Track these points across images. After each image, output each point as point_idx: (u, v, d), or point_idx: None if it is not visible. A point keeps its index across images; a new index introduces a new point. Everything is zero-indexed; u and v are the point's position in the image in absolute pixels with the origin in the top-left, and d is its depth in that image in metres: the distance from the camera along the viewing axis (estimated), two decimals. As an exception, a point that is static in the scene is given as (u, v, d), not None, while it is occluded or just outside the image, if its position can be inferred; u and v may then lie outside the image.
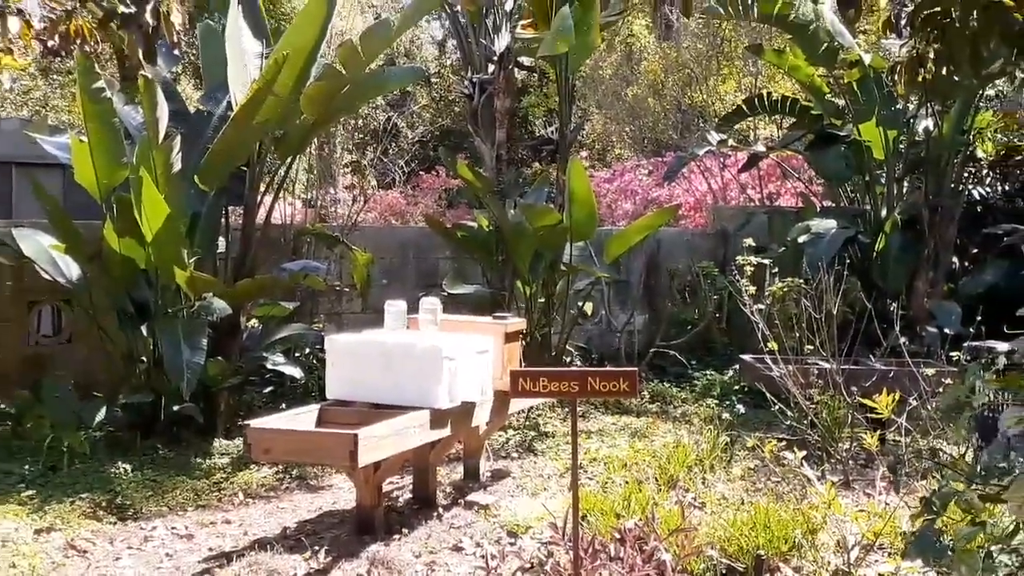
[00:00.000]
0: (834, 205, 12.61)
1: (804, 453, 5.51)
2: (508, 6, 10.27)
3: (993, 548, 2.67)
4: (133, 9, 3.74)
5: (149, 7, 3.87)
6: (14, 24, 3.89)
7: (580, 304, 10.28)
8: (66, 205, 8.69)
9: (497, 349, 6.75)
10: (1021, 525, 2.68)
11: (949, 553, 2.63)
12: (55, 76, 18.63)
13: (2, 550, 5.59)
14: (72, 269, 8.16)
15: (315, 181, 14.92)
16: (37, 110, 17.15)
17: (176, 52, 9.13)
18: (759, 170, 14.75)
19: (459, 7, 10.23)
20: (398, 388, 5.99)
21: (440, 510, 6.52)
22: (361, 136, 19.72)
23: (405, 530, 6.09)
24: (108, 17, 3.82)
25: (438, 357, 5.96)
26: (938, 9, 3.36)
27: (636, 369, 5.16)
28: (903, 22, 4.36)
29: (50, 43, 3.90)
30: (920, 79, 4.14)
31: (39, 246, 8.10)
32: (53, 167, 8.93)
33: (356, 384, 6.14)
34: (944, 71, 3.59)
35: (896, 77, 5.25)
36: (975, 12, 3.49)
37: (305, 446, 5.64)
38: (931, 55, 3.51)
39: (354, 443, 5.26)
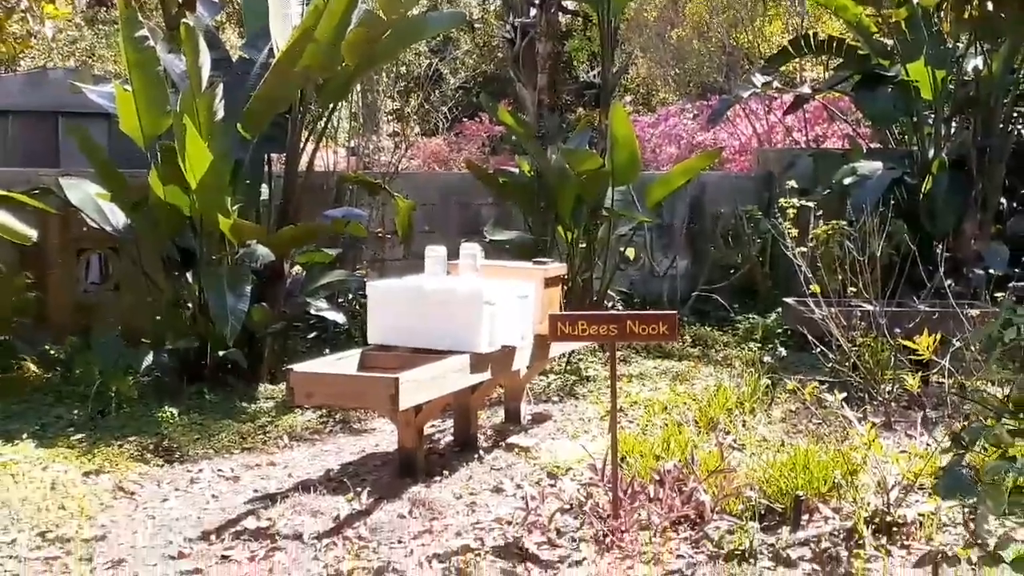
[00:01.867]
0: (881, 147, 12.43)
1: (844, 395, 5.49)
2: (548, -52, 10.18)
3: (1022, 481, 2.66)
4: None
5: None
6: (52, -27, 3.93)
7: (622, 249, 10.25)
8: (112, 154, 8.80)
9: (537, 294, 6.76)
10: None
11: (978, 489, 2.63)
12: (101, 26, 18.76)
13: (52, 492, 5.73)
14: (118, 217, 8.27)
15: (359, 129, 14.95)
16: (84, 60, 17.31)
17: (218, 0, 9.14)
18: (805, 112, 14.56)
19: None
20: (438, 333, 6.04)
21: (481, 452, 6.59)
22: (404, 83, 19.70)
23: (446, 472, 6.17)
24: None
25: (478, 302, 5.99)
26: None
27: (675, 312, 5.16)
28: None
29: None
30: (967, 16, 4.07)
31: (86, 195, 8.21)
32: (99, 116, 9.03)
33: (397, 329, 6.19)
34: (991, 6, 3.51)
35: (943, 14, 5.12)
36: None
37: (346, 390, 5.71)
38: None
39: (395, 387, 5.31)
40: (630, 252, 10.60)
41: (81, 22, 17.74)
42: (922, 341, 5.05)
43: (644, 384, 8.53)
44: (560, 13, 19.69)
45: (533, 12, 9.91)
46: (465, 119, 19.26)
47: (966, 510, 3.99)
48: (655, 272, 11.83)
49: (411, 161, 16.13)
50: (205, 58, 7.67)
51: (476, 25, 23.36)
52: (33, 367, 8.30)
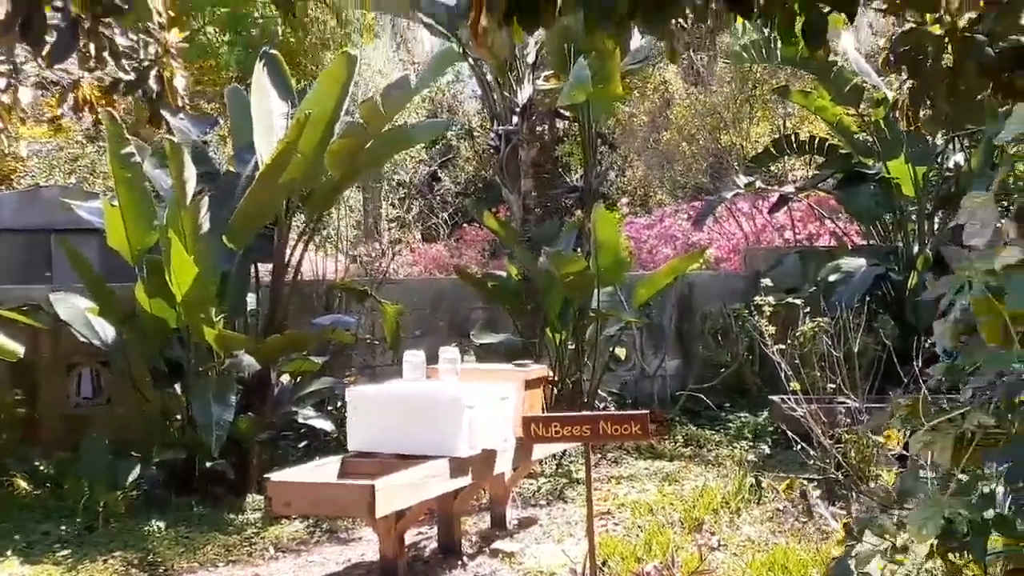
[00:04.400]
0: (866, 244, 12.57)
1: (819, 492, 5.49)
2: (531, 59, 10.45)
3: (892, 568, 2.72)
4: (133, 76, 3.90)
5: (152, 74, 4.03)
6: (26, 95, 4.07)
7: (611, 349, 10.30)
8: (103, 269, 8.92)
9: (519, 396, 6.80)
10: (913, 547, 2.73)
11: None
12: (102, 143, 19.09)
13: (33, 610, 5.71)
14: (107, 331, 8.36)
15: (361, 237, 15.14)
16: (84, 177, 17.57)
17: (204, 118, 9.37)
18: (791, 211, 14.75)
19: (483, 61, 10.41)
20: (418, 437, 6.06)
21: (465, 559, 6.56)
22: (405, 190, 19.99)
23: (429, 580, 6.14)
24: (112, 86, 3.99)
25: (458, 406, 6.03)
26: (909, 48, 3.41)
27: (647, 412, 5.20)
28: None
29: (59, 111, 4.10)
30: (920, 117, 4.19)
31: (75, 310, 8.32)
32: (90, 232, 9.16)
33: (377, 435, 6.21)
34: (923, 110, 3.63)
35: (898, 115, 5.28)
36: (950, 47, 3.53)
37: (324, 498, 5.72)
38: (906, 94, 3.56)
39: (371, 494, 5.32)
40: (620, 352, 10.64)
41: (83, 139, 18.06)
42: (891, 435, 5.06)
43: (633, 485, 8.49)
44: (549, 120, 20.16)
45: (515, 120, 10.11)
46: (465, 224, 19.48)
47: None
48: (646, 372, 11.86)
49: (413, 267, 16.30)
50: (190, 172, 7.84)
51: (476, 133, 23.76)
52: (23, 483, 8.27)
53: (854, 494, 7.04)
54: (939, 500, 2.63)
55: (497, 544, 6.85)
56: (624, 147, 21.33)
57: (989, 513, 2.62)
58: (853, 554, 2.79)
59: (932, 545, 2.55)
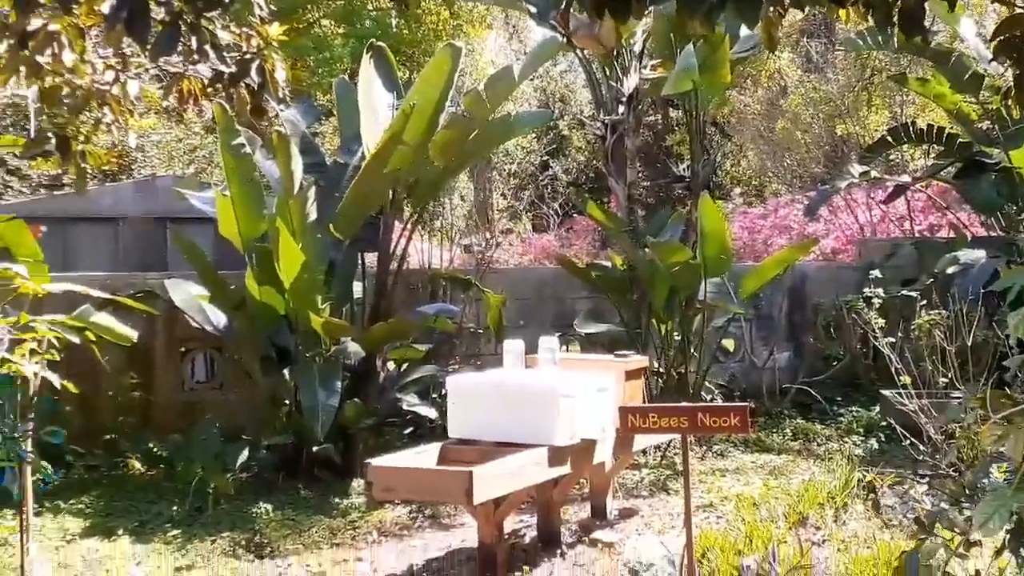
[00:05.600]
0: (987, 235, 12.15)
1: (924, 488, 5.33)
2: (637, 47, 10.35)
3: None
4: (234, 69, 3.98)
5: (254, 66, 4.11)
6: (133, 87, 4.19)
7: (719, 341, 10.16)
8: (217, 257, 9.17)
9: (618, 387, 6.75)
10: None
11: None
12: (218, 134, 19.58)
13: (143, 587, 5.89)
14: (219, 318, 8.57)
15: (472, 226, 15.25)
16: (202, 167, 18.07)
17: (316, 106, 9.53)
18: (910, 202, 14.34)
19: (589, 51, 10.36)
20: (517, 426, 6.07)
21: (564, 547, 6.56)
22: (517, 181, 20.06)
23: (527, 567, 6.15)
24: (215, 78, 4.08)
25: (555, 395, 6.02)
26: (1018, 32, 3.28)
27: (747, 404, 5.12)
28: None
29: (164, 104, 4.20)
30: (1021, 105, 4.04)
31: (189, 296, 8.55)
32: (204, 221, 9.42)
33: (476, 423, 6.24)
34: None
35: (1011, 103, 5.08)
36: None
37: (424, 484, 5.78)
38: (1012, 81, 3.42)
39: (469, 481, 5.35)
40: (728, 344, 10.50)
41: (201, 130, 18.57)
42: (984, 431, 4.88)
43: (738, 479, 8.38)
44: (662, 110, 19.97)
45: (621, 109, 10.04)
46: (575, 214, 19.47)
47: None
48: (755, 364, 11.68)
49: (522, 257, 16.35)
50: (297, 163, 7.99)
51: (587, 122, 23.75)
52: (137, 464, 8.56)
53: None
54: (1005, 494, 2.52)
55: (596, 534, 6.83)
56: (738, 136, 21.04)
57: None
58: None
59: (1004, 540, 2.46)
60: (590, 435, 6.34)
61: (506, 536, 6.44)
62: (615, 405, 6.60)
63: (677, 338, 9.92)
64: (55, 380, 5.71)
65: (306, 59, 18.11)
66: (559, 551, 6.49)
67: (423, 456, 6.12)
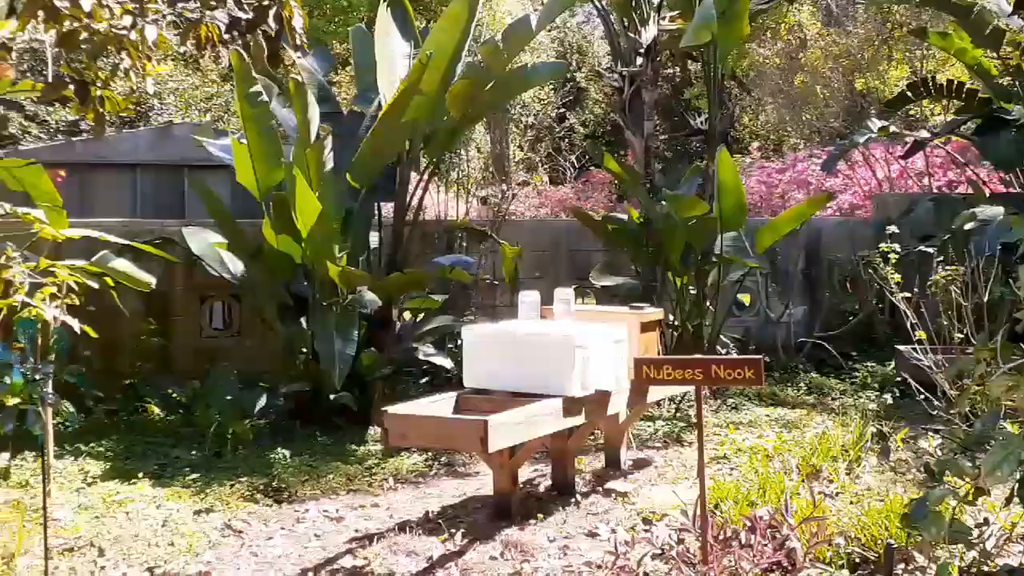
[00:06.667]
0: (1007, 191, 12.07)
1: (939, 441, 5.35)
2: (656, -1, 10.29)
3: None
4: (251, 16, 3.97)
5: (271, 13, 4.10)
6: (151, 33, 4.18)
7: (735, 295, 10.17)
8: (233, 205, 9.21)
9: (633, 339, 6.78)
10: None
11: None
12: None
13: (163, 529, 5.97)
14: (237, 266, 8.63)
15: (489, 178, 15.25)
16: (219, 115, 18.07)
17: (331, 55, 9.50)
18: (928, 158, 14.23)
19: (606, 1, 10.29)
20: (532, 376, 6.10)
21: (578, 497, 6.61)
22: (534, 133, 20.00)
23: (541, 515, 6.21)
24: (232, 24, 4.07)
25: (569, 346, 6.04)
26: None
27: (761, 357, 5.13)
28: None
29: (182, 49, 4.19)
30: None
31: (206, 244, 8.60)
32: (222, 169, 9.44)
33: (492, 373, 6.29)
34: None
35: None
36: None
37: (438, 432, 5.82)
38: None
39: (484, 429, 5.40)
40: (744, 298, 10.51)
41: (218, 78, 18.55)
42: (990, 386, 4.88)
43: (752, 431, 8.42)
44: (681, 62, 19.81)
45: (639, 61, 9.98)
46: (592, 167, 19.42)
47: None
48: (770, 318, 11.68)
49: (539, 209, 16.35)
50: (314, 112, 7.98)
51: (604, 74, 23.58)
52: (157, 409, 8.65)
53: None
54: (1013, 442, 2.55)
55: (610, 484, 6.88)
56: (756, 90, 20.89)
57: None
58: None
59: (1013, 489, 2.48)
60: (605, 386, 6.38)
61: (521, 485, 6.51)
62: (630, 357, 6.62)
63: (692, 291, 9.94)
64: (75, 325, 5.75)
65: (323, 7, 18.02)
66: (573, 500, 6.55)
67: (439, 404, 6.17)
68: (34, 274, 5.50)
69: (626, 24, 10.26)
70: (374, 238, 9.13)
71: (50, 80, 4.68)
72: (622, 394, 6.70)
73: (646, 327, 7.06)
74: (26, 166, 6.97)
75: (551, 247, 11.21)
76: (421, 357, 8.77)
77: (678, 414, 9.02)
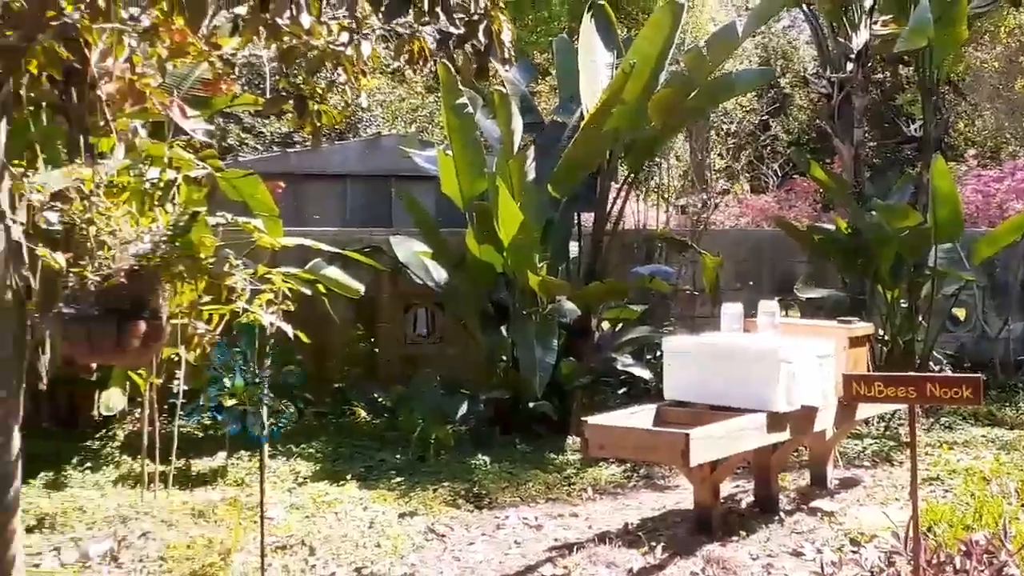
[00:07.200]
0: None
1: None
2: (867, 2, 9.94)
3: None
4: (463, 30, 4.04)
5: (481, 27, 4.16)
6: (366, 48, 4.31)
7: (949, 309, 9.72)
8: (438, 215, 9.40)
9: (841, 354, 6.56)
10: None
11: None
12: (440, 94, 19.96)
13: (369, 530, 6.14)
14: (440, 274, 8.82)
15: (687, 187, 15.09)
16: (424, 126, 18.51)
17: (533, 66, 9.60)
18: None
19: (815, 5, 10.02)
20: (734, 390, 5.99)
21: (782, 514, 6.44)
22: (734, 141, 19.67)
23: (744, 532, 6.08)
24: (443, 39, 4.15)
25: (775, 360, 5.90)
26: None
27: (980, 376, 4.87)
28: None
29: (395, 64, 4.30)
30: None
31: (411, 252, 8.82)
32: (427, 179, 9.66)
33: (692, 385, 6.19)
34: None
35: None
36: None
37: (638, 444, 5.77)
38: None
39: (685, 442, 5.32)
40: (959, 312, 10.04)
41: (423, 90, 19.00)
42: None
43: (967, 452, 8.04)
44: (891, 67, 19.10)
45: (849, 67, 9.68)
46: (795, 176, 18.93)
47: None
48: (987, 334, 11.10)
49: (740, 219, 16.06)
50: (518, 123, 8.08)
51: (810, 80, 22.98)
52: (363, 413, 8.92)
53: None
54: None
55: (816, 502, 6.68)
56: (973, 95, 19.92)
57: None
58: None
59: None
60: (811, 402, 6.19)
61: (722, 500, 6.39)
62: (837, 372, 6.42)
63: (904, 305, 9.57)
64: (288, 330, 5.98)
65: (524, 18, 18.22)
66: (777, 517, 6.38)
67: (639, 416, 6.12)
68: (253, 281, 5.76)
69: (835, 28, 9.97)
70: (573, 248, 9.17)
71: (268, 94, 4.89)
72: (829, 410, 6.48)
73: (855, 342, 6.82)
74: (245, 177, 7.29)
75: (752, 257, 10.99)
76: (619, 367, 8.74)
77: (887, 432, 8.69)
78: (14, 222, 3.90)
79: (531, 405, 8.21)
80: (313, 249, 7.14)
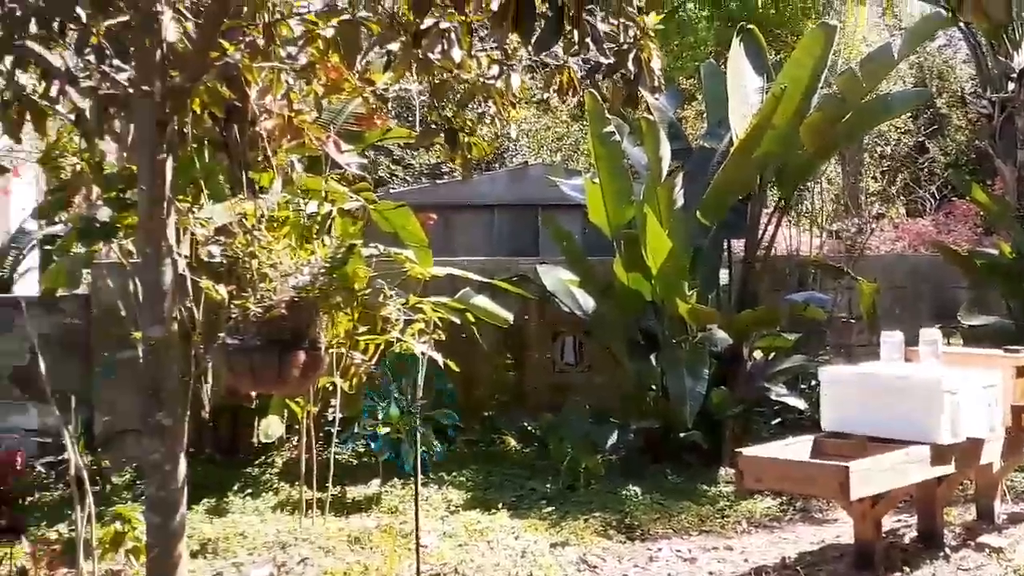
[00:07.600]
0: None
1: None
2: (1028, 18, 9.60)
3: None
4: (613, 60, 4.05)
5: (631, 56, 4.16)
6: (515, 80, 4.37)
7: None
8: (585, 243, 9.41)
9: (1008, 384, 6.29)
10: None
11: None
12: (585, 123, 20.05)
13: (521, 560, 6.14)
14: (588, 302, 8.80)
15: (840, 211, 14.78)
16: (569, 155, 18.60)
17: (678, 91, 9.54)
18: None
19: (974, 24, 9.70)
20: (895, 421, 5.80)
21: (947, 550, 6.19)
22: (888, 163, 19.17)
23: (907, 568, 5.88)
24: (593, 69, 4.17)
25: (938, 390, 5.70)
26: None
27: None
28: None
29: (545, 95, 4.33)
30: None
31: (558, 281, 8.84)
32: (574, 208, 9.68)
33: (851, 416, 6.03)
34: None
35: None
36: None
37: (796, 476, 5.65)
38: None
39: (845, 475, 5.19)
40: None
41: (568, 119, 19.10)
42: None
43: None
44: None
45: (1011, 86, 9.34)
46: (954, 198, 18.31)
47: None
48: None
49: (896, 243, 15.63)
50: (665, 149, 8.03)
51: (968, 100, 22.23)
52: (512, 441, 8.94)
53: None
54: None
55: (983, 538, 6.40)
56: None
57: None
58: None
59: None
60: (977, 433, 5.95)
61: (883, 535, 6.18)
62: (1004, 403, 6.17)
63: (1077, 332, 9.11)
64: (439, 359, 6.06)
65: (670, 44, 18.14)
66: (941, 553, 6.13)
67: (795, 447, 5.98)
68: (405, 311, 5.86)
69: (995, 47, 9.63)
70: (723, 275, 9.05)
71: (417, 127, 4.98)
72: (996, 442, 6.22)
73: (1022, 371, 6.53)
74: (396, 208, 7.43)
75: (910, 283, 10.64)
76: (773, 397, 8.55)
77: (1061, 465, 8.27)
78: (179, 255, 4.06)
79: (681, 435, 8.09)
80: (462, 279, 7.25)
